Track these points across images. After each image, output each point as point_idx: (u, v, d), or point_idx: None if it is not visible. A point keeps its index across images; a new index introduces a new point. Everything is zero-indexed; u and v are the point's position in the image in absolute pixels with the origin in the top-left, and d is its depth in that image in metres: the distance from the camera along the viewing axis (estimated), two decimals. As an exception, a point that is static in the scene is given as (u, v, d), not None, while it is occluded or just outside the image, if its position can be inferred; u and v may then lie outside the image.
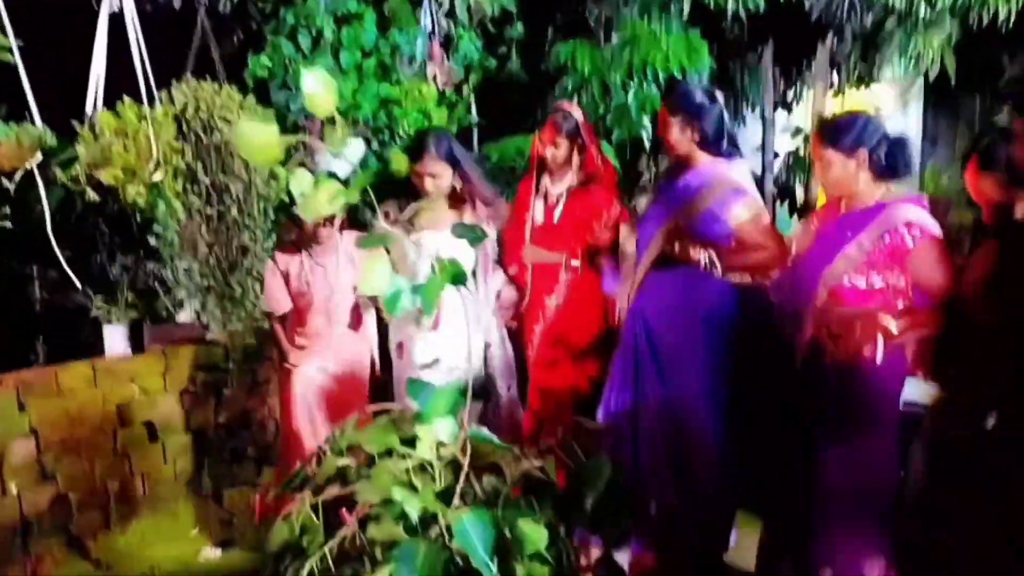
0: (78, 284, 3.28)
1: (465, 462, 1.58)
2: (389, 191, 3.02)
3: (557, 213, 3.21)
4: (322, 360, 3.20)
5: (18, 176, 3.10)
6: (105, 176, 3.02)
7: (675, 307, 2.71)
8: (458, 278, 1.54)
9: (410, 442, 1.66)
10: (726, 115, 2.77)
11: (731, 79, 5.71)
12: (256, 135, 1.49)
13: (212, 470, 3.63)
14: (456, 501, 1.52)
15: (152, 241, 3.43)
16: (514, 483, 1.62)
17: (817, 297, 2.41)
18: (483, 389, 3.14)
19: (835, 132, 2.41)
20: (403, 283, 1.56)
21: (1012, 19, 4.76)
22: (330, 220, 3.08)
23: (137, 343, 3.60)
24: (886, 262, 2.33)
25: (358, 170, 1.67)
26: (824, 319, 2.39)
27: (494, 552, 1.42)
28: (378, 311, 3.25)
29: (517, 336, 3.30)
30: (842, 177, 2.42)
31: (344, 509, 1.62)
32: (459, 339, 3.02)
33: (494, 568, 1.40)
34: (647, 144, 4.60)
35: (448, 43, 4.52)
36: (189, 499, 3.57)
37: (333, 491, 1.67)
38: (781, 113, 6.41)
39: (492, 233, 3.15)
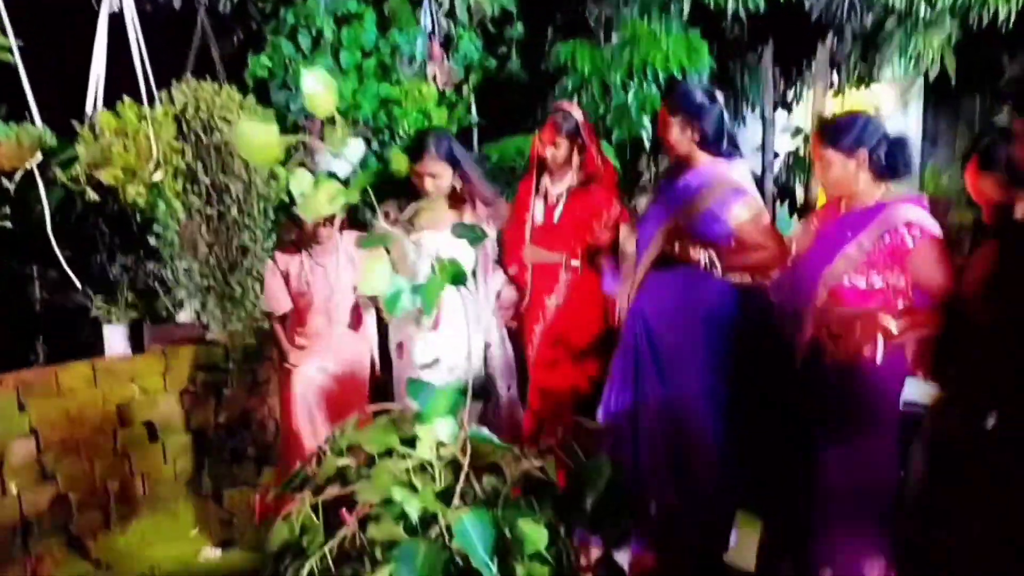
0: (78, 284, 3.28)
1: (465, 462, 1.58)
2: (389, 191, 3.01)
3: (557, 213, 3.21)
4: (322, 360, 3.20)
5: (18, 176, 3.10)
6: (105, 176, 3.02)
7: (675, 307, 2.71)
8: (458, 278, 1.54)
9: (410, 442, 1.66)
10: (726, 115, 2.77)
11: (731, 79, 5.70)
12: (256, 135, 1.49)
13: (212, 470, 3.63)
14: (456, 501, 1.52)
15: (152, 241, 3.43)
16: (514, 483, 1.62)
17: (817, 297, 2.40)
18: (483, 389, 3.14)
19: (835, 132, 2.41)
20: (403, 283, 1.56)
21: (1012, 19, 4.76)
22: (330, 220, 3.08)
23: (137, 343, 3.60)
24: (886, 262, 2.33)
25: (358, 170, 1.67)
26: (824, 319, 2.39)
27: (494, 552, 1.42)
28: (378, 311, 3.25)
29: (517, 336, 3.30)
30: (842, 177, 2.42)
31: (344, 509, 1.62)
32: (459, 339, 3.02)
33: (494, 568, 1.40)
34: (647, 144, 4.59)
35: (448, 43, 4.52)
36: (189, 499, 3.57)
37: (333, 491, 1.68)
38: (781, 113, 6.41)
39: (492, 233, 3.15)
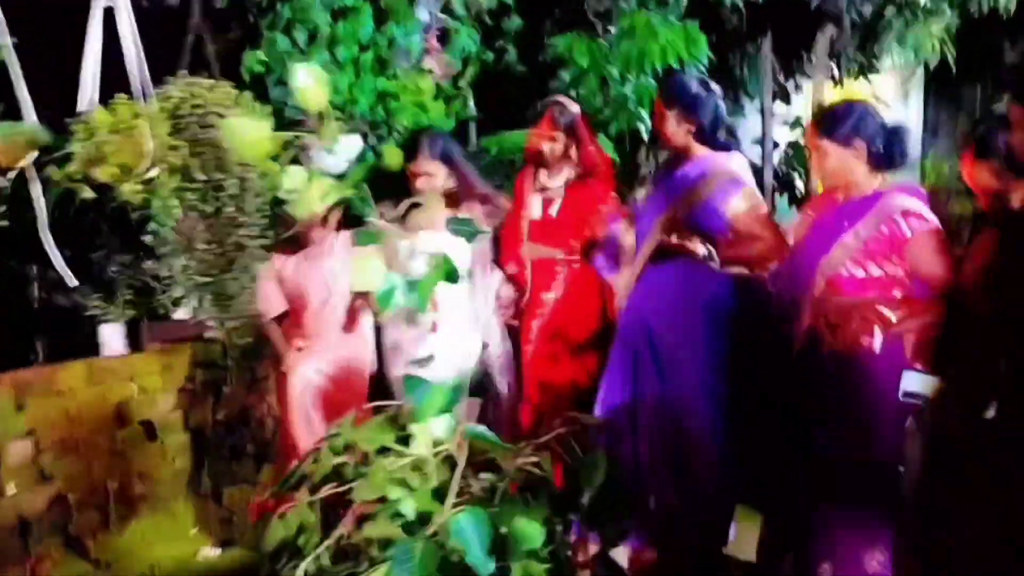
0: (71, 282, 3.26)
1: (461, 459, 1.57)
2: (388, 192, 2.99)
3: (555, 208, 3.19)
4: (319, 362, 3.16)
5: (12, 175, 3.08)
6: (100, 174, 2.99)
7: (673, 300, 2.69)
8: (451, 275, 1.53)
9: (407, 440, 1.65)
10: (722, 105, 2.75)
11: (730, 70, 5.68)
12: (245, 131, 1.48)
13: (211, 468, 3.61)
14: (452, 499, 1.51)
15: (149, 239, 3.42)
16: (511, 480, 1.61)
17: (815, 287, 2.39)
18: (481, 386, 3.13)
19: (831, 122, 2.40)
20: (397, 279, 1.55)
21: (1013, 6, 4.73)
22: (325, 221, 3.07)
23: (135, 342, 3.59)
24: (884, 251, 2.32)
25: (354, 166, 1.65)
26: (822, 309, 2.38)
27: (491, 550, 1.41)
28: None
29: (516, 332, 3.29)
30: (839, 167, 2.41)
31: (342, 508, 1.61)
32: (456, 337, 3.02)
33: (491, 567, 1.39)
34: (645, 136, 4.58)
35: (445, 36, 4.49)
36: (188, 498, 3.56)
37: (329, 489, 1.67)
38: (781, 104, 6.39)
39: (488, 230, 3.14)
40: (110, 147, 2.99)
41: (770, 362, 2.56)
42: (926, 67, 5.76)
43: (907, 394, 2.30)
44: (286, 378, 3.15)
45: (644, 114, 4.36)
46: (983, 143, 2.17)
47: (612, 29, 4.63)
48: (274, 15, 4.09)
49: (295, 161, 1.53)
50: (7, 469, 2.99)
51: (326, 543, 1.57)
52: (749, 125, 6.46)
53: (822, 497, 2.44)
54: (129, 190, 3.09)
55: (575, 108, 3.18)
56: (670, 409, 2.69)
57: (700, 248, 2.56)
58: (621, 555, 2.79)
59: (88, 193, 3.09)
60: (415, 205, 1.82)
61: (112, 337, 3.47)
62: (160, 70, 3.34)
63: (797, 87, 6.48)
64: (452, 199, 3.10)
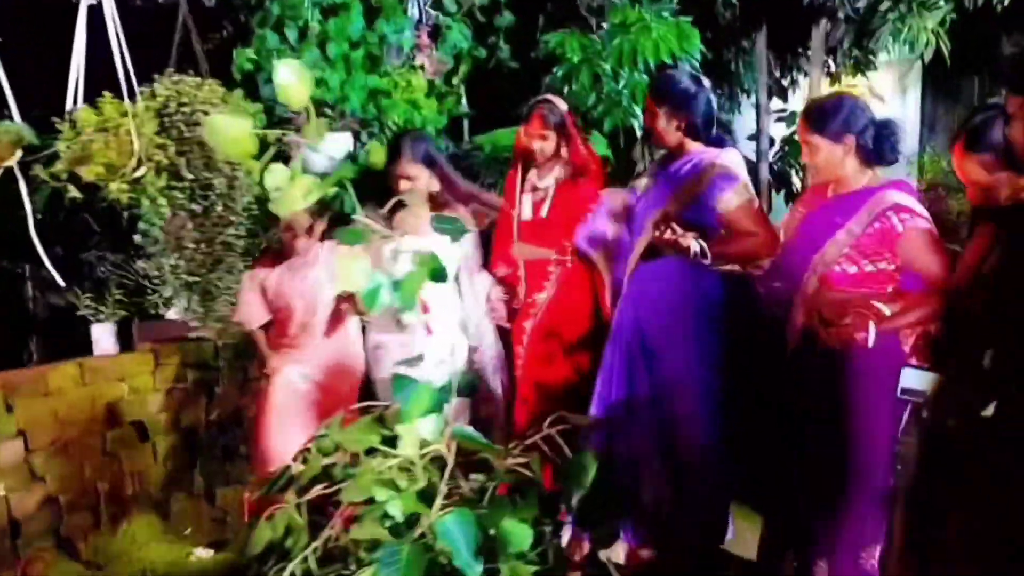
0: (60, 282, 3.25)
1: (450, 460, 1.55)
2: (376, 195, 2.97)
3: (545, 207, 3.16)
4: (305, 368, 3.12)
5: (-1, 174, 3.06)
6: (87, 173, 2.98)
7: (665, 297, 2.67)
8: (437, 273, 1.51)
9: (394, 441, 1.63)
10: (714, 100, 2.73)
11: (725, 65, 5.66)
12: (228, 128, 1.45)
13: (204, 469, 3.60)
14: (440, 500, 1.49)
15: (138, 238, 3.40)
16: (501, 481, 1.59)
17: (808, 283, 2.38)
18: (471, 387, 3.10)
19: (821, 117, 2.38)
20: (382, 278, 1.52)
21: (1007, -1, 4.72)
22: (310, 231, 3.04)
23: (126, 341, 3.57)
24: (876, 247, 2.31)
25: (343, 164, 1.63)
26: (815, 305, 2.36)
27: (478, 552, 1.39)
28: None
29: (507, 333, 3.27)
30: (829, 162, 2.39)
31: (330, 510, 1.60)
32: (445, 337, 3.01)
33: (478, 568, 1.38)
34: (639, 133, 4.55)
35: (436, 32, 4.46)
36: (181, 499, 3.54)
37: (317, 491, 1.65)
38: (778, 100, 6.36)
39: (473, 230, 3.12)
40: (96, 146, 2.97)
41: (764, 359, 2.55)
42: (923, 62, 5.73)
43: (906, 391, 2.28)
44: (270, 381, 3.13)
45: (638, 110, 4.34)
46: (974, 135, 2.14)
47: (605, 25, 4.61)
48: (264, 12, 4.06)
49: (283, 159, 1.49)
50: (-3, 471, 2.97)
51: (313, 545, 1.56)
52: (744, 121, 6.45)
53: (818, 494, 2.43)
54: (117, 189, 3.07)
55: (564, 106, 3.15)
56: (665, 407, 2.68)
57: (693, 244, 2.52)
58: (619, 552, 2.77)
59: (75, 192, 3.07)
60: (401, 204, 1.80)
61: (103, 337, 3.45)
62: (147, 69, 3.32)
63: (793, 83, 6.45)
64: (436, 202, 3.09)
